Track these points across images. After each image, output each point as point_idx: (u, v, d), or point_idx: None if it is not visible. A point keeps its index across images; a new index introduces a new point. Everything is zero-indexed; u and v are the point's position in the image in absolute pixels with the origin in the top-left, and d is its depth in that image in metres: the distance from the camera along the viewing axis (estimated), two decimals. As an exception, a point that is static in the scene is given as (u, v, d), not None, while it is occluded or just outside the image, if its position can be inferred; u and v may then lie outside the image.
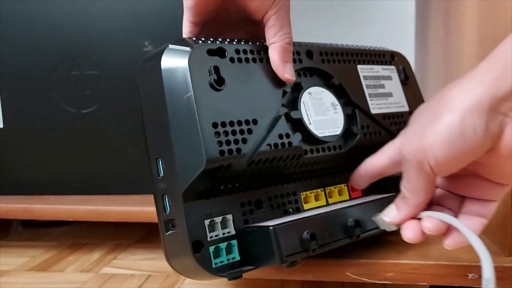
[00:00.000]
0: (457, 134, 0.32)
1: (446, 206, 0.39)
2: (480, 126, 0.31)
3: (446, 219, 0.37)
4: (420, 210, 0.38)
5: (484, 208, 0.38)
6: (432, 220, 0.37)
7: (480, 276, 0.43)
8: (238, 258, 0.39)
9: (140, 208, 0.63)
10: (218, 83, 0.38)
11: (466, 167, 0.35)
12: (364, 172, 0.44)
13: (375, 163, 0.43)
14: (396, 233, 0.47)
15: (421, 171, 0.34)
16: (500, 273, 0.43)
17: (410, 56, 0.57)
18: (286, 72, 0.41)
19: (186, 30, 0.44)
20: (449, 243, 0.37)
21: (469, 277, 0.44)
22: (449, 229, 0.37)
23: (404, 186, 0.37)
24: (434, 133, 0.33)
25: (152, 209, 0.40)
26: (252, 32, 0.45)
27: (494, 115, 0.31)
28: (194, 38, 0.41)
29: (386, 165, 0.43)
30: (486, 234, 0.51)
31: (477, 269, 0.43)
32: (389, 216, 0.39)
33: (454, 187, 0.39)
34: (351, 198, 0.48)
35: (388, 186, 0.47)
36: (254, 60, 0.41)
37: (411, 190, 0.37)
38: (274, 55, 0.41)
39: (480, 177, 0.37)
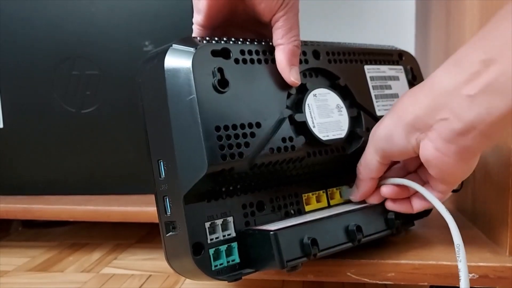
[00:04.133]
0: (388, 136, 0.40)
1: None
2: (401, 135, 0.39)
3: (410, 184, 0.43)
4: (373, 185, 0.44)
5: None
6: (388, 187, 0.44)
7: (480, 276, 0.44)
8: (238, 260, 0.39)
9: (140, 208, 0.63)
10: (222, 85, 0.38)
11: None
12: None
13: None
14: (397, 234, 0.48)
15: (375, 153, 0.42)
16: (500, 273, 0.43)
17: (410, 57, 0.57)
18: (292, 76, 0.41)
19: (196, 34, 0.43)
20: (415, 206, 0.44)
21: (469, 277, 0.44)
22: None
23: (360, 162, 0.44)
24: (381, 128, 0.41)
25: (152, 209, 0.40)
26: (260, 34, 0.44)
27: (413, 130, 0.38)
28: (198, 38, 0.40)
29: None
30: (486, 234, 0.51)
31: (477, 269, 0.44)
32: (353, 196, 0.45)
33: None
34: (352, 199, 0.48)
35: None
36: (259, 61, 0.41)
37: (365, 165, 0.43)
38: (281, 57, 0.41)
39: None
